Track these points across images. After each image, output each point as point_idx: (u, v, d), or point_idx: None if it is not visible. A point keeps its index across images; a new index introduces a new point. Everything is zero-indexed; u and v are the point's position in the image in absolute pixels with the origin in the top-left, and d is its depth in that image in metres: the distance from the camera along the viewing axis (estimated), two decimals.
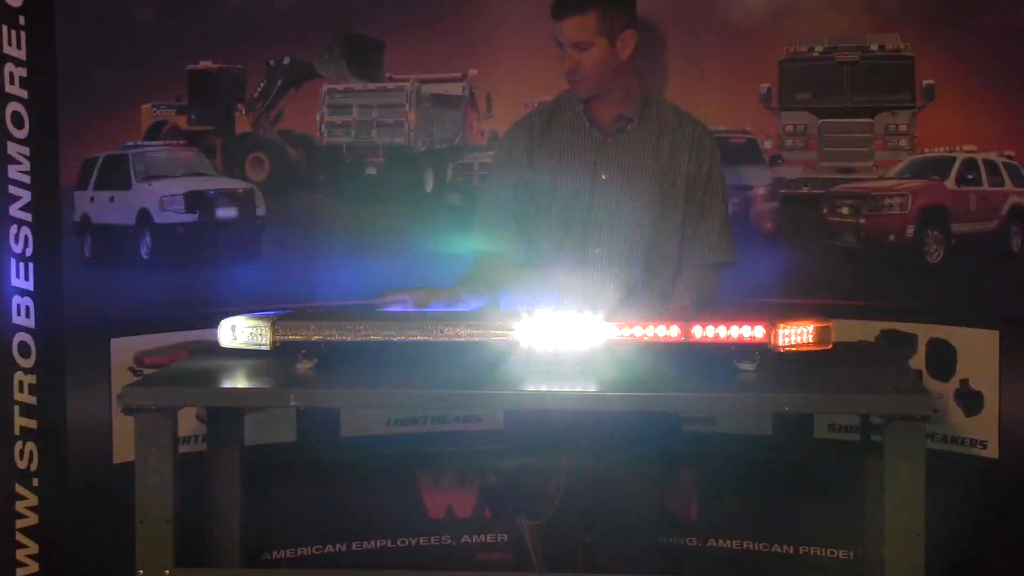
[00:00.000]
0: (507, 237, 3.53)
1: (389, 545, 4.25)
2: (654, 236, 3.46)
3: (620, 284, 3.44)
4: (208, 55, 4.07)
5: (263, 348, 3.03)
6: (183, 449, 3.26)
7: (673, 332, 2.92)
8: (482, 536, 4.26)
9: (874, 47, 4.01)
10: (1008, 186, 3.87)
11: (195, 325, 3.90)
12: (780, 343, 2.91)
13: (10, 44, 3.55)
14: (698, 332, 2.92)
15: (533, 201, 3.50)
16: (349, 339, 3.00)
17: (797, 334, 2.94)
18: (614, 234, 3.46)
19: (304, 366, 3.02)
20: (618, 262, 3.45)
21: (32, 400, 3.64)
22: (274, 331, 3.01)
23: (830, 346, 2.97)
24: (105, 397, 3.84)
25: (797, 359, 2.96)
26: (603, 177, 3.46)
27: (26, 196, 3.60)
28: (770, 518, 4.14)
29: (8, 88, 3.56)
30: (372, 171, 4.28)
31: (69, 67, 3.69)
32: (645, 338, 2.92)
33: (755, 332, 2.92)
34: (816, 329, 2.94)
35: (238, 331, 3.06)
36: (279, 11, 4.10)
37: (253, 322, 3.05)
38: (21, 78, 3.57)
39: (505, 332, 2.94)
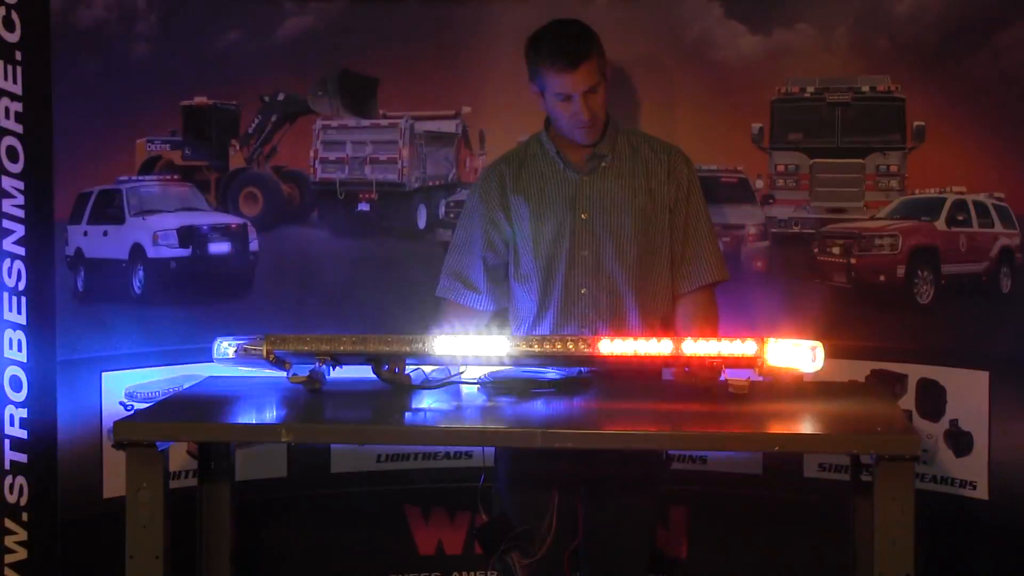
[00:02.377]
0: (477, 286, 3.53)
1: None
2: (641, 268, 3.45)
3: (611, 317, 3.43)
4: (202, 91, 4.08)
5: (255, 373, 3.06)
6: (174, 484, 3.25)
7: (665, 348, 2.96)
8: (472, 574, 4.24)
9: (865, 88, 4.03)
10: (998, 227, 3.88)
11: (187, 360, 3.91)
12: (769, 358, 2.93)
13: (6, 79, 3.57)
14: (688, 348, 2.97)
15: (511, 249, 3.50)
16: (341, 349, 3.04)
17: (787, 351, 2.97)
18: (600, 272, 3.44)
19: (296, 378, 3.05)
20: (607, 298, 3.44)
21: (23, 434, 3.64)
22: (268, 341, 3.04)
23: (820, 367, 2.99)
24: (96, 431, 3.84)
25: (788, 396, 2.97)
26: (583, 217, 3.45)
27: (20, 230, 3.62)
28: (760, 557, 4.13)
29: (3, 123, 3.58)
30: (365, 207, 4.29)
31: (64, 102, 3.71)
32: (637, 355, 2.96)
33: (746, 349, 2.94)
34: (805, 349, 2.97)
35: (233, 348, 3.09)
36: (273, 48, 4.12)
37: (248, 340, 3.09)
38: (17, 113, 3.59)
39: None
